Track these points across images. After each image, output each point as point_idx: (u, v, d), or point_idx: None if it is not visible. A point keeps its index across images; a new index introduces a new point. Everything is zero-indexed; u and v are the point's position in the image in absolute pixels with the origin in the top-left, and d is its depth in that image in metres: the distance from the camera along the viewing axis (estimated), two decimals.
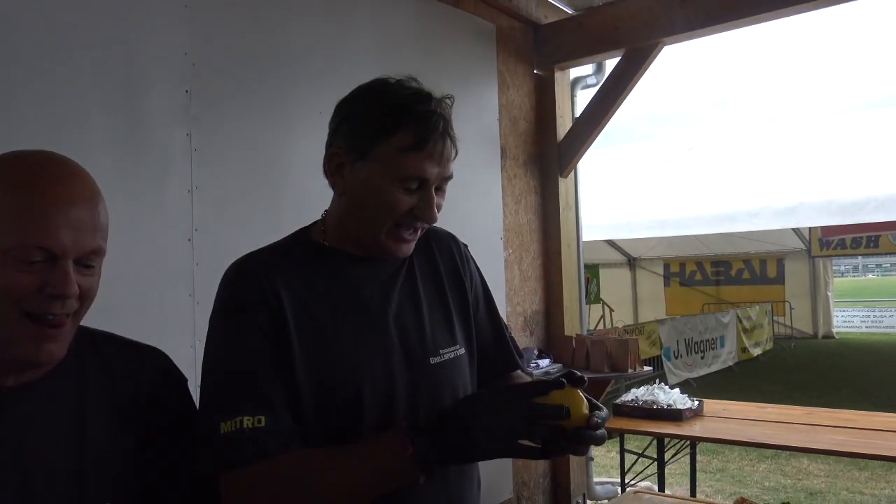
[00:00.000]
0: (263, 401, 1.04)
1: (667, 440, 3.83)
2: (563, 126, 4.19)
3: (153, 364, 1.10)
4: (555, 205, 4.16)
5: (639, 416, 3.76)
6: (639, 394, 3.92)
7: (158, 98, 2.29)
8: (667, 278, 15.58)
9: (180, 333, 2.27)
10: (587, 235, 4.69)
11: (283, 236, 1.24)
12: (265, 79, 2.62)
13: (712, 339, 10.45)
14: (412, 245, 1.18)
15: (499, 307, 1.43)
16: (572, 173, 4.24)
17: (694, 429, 3.64)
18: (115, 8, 2.19)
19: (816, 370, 10.70)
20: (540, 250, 4.15)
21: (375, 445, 1.03)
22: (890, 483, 5.28)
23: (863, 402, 6.92)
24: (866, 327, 17.14)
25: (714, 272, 15.49)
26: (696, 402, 3.81)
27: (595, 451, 5.14)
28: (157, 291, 2.23)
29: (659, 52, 3.82)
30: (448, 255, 1.31)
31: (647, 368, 4.36)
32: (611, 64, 4.09)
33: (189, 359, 2.16)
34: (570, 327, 4.18)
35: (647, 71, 3.88)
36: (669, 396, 3.83)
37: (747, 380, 9.82)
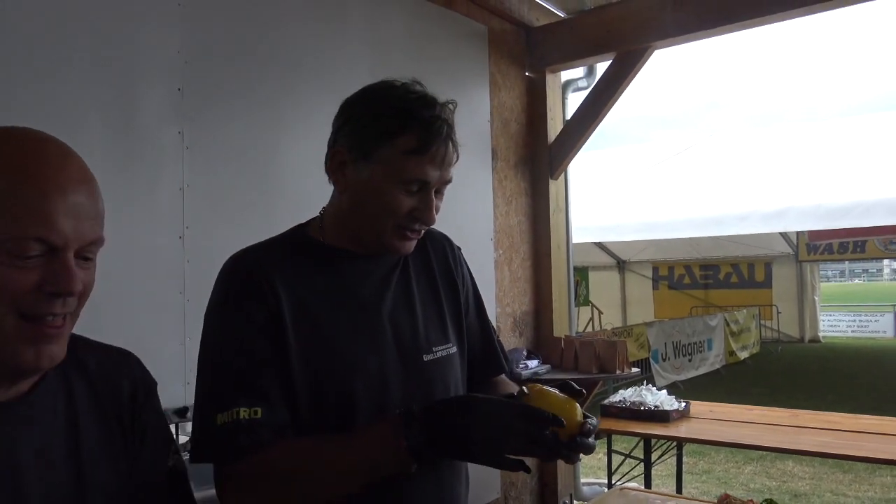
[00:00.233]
0: (260, 394, 1.05)
1: (654, 441, 3.85)
2: (554, 128, 4.21)
3: (128, 367, 1.00)
4: (545, 207, 4.18)
5: (626, 416, 3.78)
6: (626, 395, 3.94)
7: (151, 96, 2.29)
8: (655, 281, 15.68)
9: (171, 331, 2.26)
10: (577, 238, 4.71)
11: (273, 235, 1.24)
12: (257, 77, 2.63)
13: (700, 342, 10.52)
14: (414, 243, 1.19)
15: (488, 308, 1.44)
16: (563, 175, 4.26)
17: (680, 430, 3.67)
18: (108, 6, 2.19)
19: (803, 374, 10.79)
20: (530, 252, 4.17)
21: (369, 433, 1.04)
22: (873, 485, 5.33)
23: (848, 405, 6.97)
24: (852, 332, 17.32)
25: (702, 276, 15.62)
26: (683, 404, 3.84)
27: None
28: (147, 289, 2.22)
29: (650, 55, 3.85)
30: (442, 256, 1.32)
31: (634, 370, 4.39)
32: (602, 67, 4.11)
33: (179, 356, 2.15)
34: (559, 329, 4.20)
35: (638, 74, 3.91)
36: (657, 398, 3.85)
37: (734, 383, 9.89)
